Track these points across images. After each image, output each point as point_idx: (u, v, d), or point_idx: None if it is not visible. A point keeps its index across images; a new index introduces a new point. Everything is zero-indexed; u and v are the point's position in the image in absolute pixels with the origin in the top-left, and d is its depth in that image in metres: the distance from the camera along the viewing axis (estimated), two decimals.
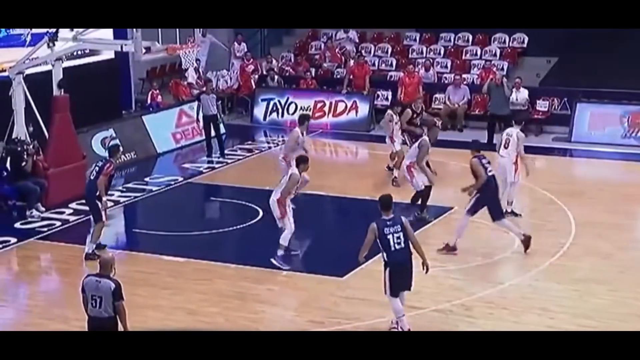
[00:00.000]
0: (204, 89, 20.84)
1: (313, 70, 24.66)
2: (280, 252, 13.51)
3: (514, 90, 21.90)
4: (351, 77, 23.06)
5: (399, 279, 11.09)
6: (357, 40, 25.56)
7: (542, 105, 22.16)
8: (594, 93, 21.72)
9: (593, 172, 19.46)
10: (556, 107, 22.15)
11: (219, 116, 20.45)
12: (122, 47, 16.63)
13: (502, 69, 23.76)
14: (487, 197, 13.87)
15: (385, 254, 11.08)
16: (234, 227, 15.37)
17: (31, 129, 16.92)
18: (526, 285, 12.88)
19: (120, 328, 9.70)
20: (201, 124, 20.07)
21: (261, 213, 15.86)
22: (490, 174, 14.02)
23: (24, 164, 16.28)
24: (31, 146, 16.41)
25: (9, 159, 16.55)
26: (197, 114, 20.25)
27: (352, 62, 23.75)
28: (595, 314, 11.79)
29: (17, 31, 18.55)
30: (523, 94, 21.82)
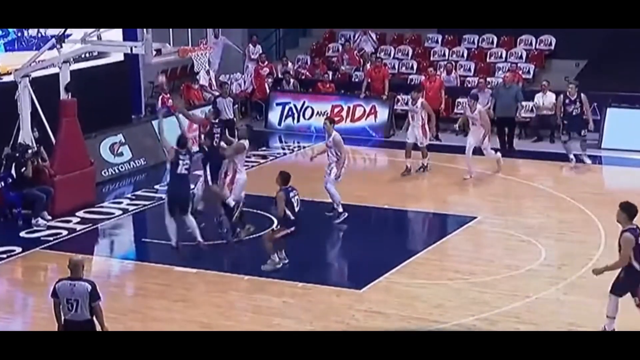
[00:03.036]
0: (219, 92, 20.91)
1: (330, 74, 24.66)
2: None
3: (540, 94, 21.86)
4: (369, 80, 23.07)
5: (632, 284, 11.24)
6: (376, 42, 25.54)
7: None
8: (626, 97, 21.61)
9: (624, 180, 19.36)
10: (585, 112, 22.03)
11: (235, 121, 20.51)
12: (131, 49, 16.69)
13: (529, 72, 23.72)
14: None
15: (637, 263, 10.99)
16: (248, 237, 15.37)
17: (36, 134, 17.00)
18: (554, 299, 12.84)
19: (98, 329, 9.90)
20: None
21: (276, 222, 15.88)
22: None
23: (23, 169, 16.33)
24: (29, 151, 16.42)
25: (13, 165, 16.61)
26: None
27: (369, 64, 23.75)
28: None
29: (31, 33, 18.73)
30: (550, 98, 21.76)
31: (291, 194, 13.76)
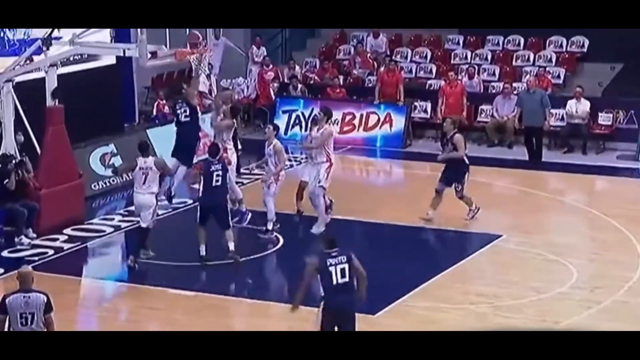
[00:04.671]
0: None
1: (341, 78, 24.71)
2: None
3: (574, 101, 21.83)
4: (380, 85, 23.09)
5: None
6: (384, 44, 25.40)
7: (605, 118, 22.05)
8: None
9: None
10: (621, 121, 22.04)
11: (237, 129, 20.55)
12: (124, 52, 16.72)
13: (559, 76, 23.72)
14: None
15: None
16: (251, 257, 15.41)
17: (21, 137, 17.03)
18: (586, 325, 12.81)
19: None
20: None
21: (282, 240, 15.93)
22: None
23: (6, 181, 16.34)
24: (13, 161, 16.45)
25: None
26: None
27: (382, 68, 23.78)
28: None
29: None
30: (584, 106, 21.75)
31: (330, 261, 10.99)
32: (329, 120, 16.64)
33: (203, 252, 14.97)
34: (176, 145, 17.22)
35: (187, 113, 17.14)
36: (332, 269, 10.91)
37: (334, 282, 10.90)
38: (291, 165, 21.40)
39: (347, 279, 10.91)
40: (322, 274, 10.96)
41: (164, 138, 20.92)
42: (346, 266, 10.93)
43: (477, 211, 16.71)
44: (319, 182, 16.24)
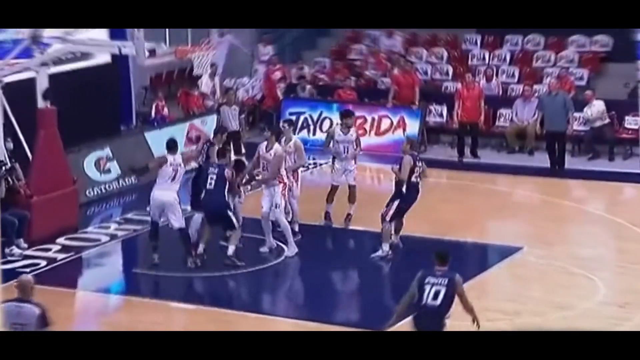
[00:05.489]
0: (224, 99, 21.00)
1: (352, 79, 24.67)
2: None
3: (587, 107, 21.71)
4: (396, 87, 23.05)
5: None
6: (399, 44, 25.39)
7: (631, 122, 21.95)
8: None
9: None
10: None
11: (241, 133, 20.56)
12: (120, 50, 16.74)
13: (582, 78, 23.60)
14: None
15: None
16: (255, 268, 15.36)
17: (10, 144, 17.01)
18: None
19: None
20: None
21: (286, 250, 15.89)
22: None
23: None
24: (3, 168, 16.44)
25: None
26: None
27: (397, 69, 23.73)
28: None
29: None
30: (597, 107, 21.62)
31: (429, 279, 10.96)
32: (279, 140, 16.17)
33: (201, 250, 15.29)
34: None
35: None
36: (427, 287, 10.81)
37: (423, 301, 10.79)
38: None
39: (437, 303, 10.79)
40: (418, 289, 10.87)
41: (162, 142, 20.91)
42: (442, 290, 10.78)
43: (389, 253, 15.74)
44: (276, 207, 15.74)
